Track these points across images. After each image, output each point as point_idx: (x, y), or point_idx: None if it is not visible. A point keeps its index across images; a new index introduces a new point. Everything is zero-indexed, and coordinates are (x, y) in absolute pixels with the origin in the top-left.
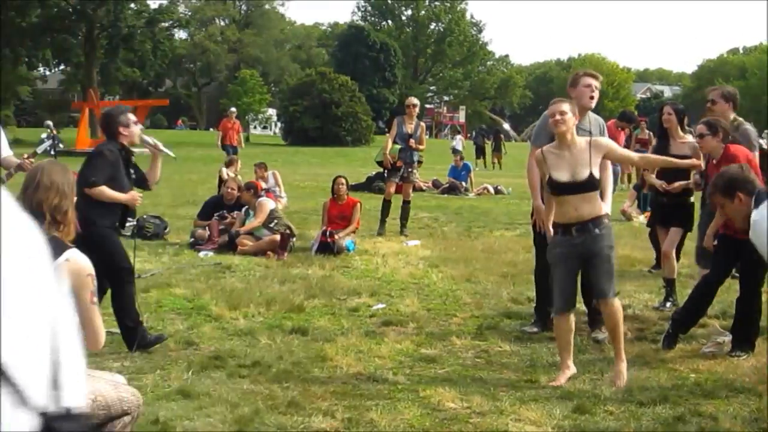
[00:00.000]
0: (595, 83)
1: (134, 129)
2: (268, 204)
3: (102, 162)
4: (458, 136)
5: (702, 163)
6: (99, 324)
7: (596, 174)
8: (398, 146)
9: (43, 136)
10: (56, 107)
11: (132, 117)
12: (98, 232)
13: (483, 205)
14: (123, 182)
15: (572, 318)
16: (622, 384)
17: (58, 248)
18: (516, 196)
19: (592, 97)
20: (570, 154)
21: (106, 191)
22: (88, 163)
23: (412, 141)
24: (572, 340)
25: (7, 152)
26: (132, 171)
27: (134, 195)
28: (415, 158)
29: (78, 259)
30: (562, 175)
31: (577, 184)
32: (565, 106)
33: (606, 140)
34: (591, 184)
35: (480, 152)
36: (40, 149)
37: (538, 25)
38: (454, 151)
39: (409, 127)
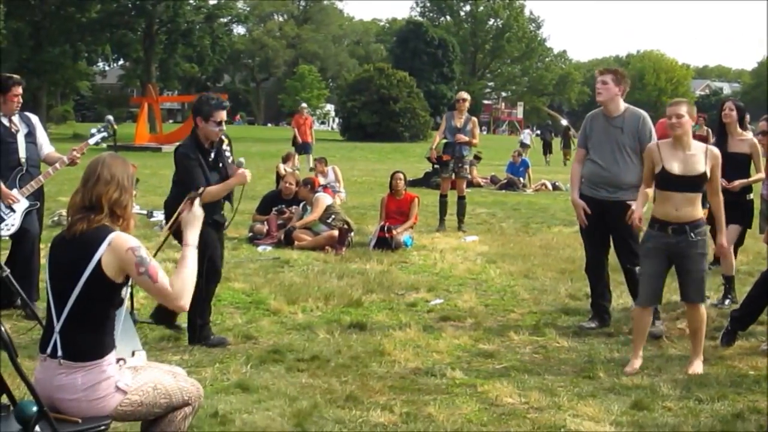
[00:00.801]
0: (600, 77)
1: (209, 128)
2: (324, 199)
3: (191, 166)
4: (526, 131)
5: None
6: (166, 287)
7: (708, 174)
8: (446, 141)
9: (93, 131)
10: (115, 102)
11: (217, 115)
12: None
13: (541, 201)
14: (209, 181)
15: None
16: (694, 370)
17: (103, 233)
18: None
19: (599, 93)
20: (684, 154)
21: (212, 190)
22: (182, 172)
23: (459, 135)
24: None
25: (50, 148)
26: (221, 162)
27: (242, 174)
28: (465, 152)
29: (119, 238)
30: (674, 167)
31: (688, 178)
32: (683, 109)
33: (718, 156)
34: (701, 182)
35: (547, 148)
36: (92, 141)
37: (596, 21)
38: (522, 145)
39: (458, 122)
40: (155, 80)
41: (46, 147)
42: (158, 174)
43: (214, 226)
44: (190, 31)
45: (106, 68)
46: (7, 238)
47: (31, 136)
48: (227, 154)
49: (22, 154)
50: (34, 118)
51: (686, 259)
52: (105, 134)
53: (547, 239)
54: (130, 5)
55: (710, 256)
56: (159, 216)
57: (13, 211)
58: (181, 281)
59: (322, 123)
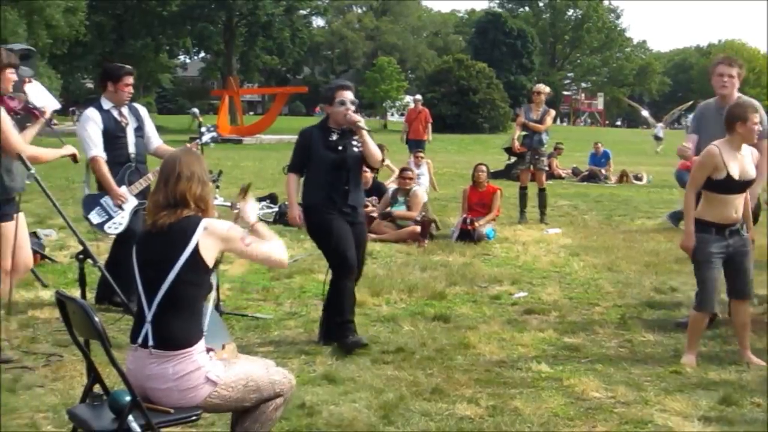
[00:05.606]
0: (727, 70)
1: (335, 109)
2: (422, 196)
3: (296, 145)
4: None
5: None
6: (266, 250)
7: None
8: (524, 133)
9: (203, 129)
10: (196, 95)
11: (338, 95)
12: (309, 217)
13: (623, 193)
14: (322, 159)
15: None
16: (757, 362)
17: (194, 223)
18: (656, 184)
19: (724, 86)
20: (740, 155)
21: (288, 177)
22: None
23: (530, 123)
24: None
25: (158, 141)
26: (342, 146)
27: None
28: (542, 145)
29: (213, 223)
30: (735, 172)
31: (747, 183)
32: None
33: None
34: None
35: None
36: (204, 139)
37: (676, 10)
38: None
39: (536, 114)
40: (236, 72)
41: (155, 140)
42: (240, 166)
43: (342, 216)
44: (269, 24)
45: (187, 61)
46: (113, 235)
47: (140, 130)
48: (354, 147)
49: (132, 149)
50: (143, 111)
51: (743, 256)
52: (215, 134)
53: (630, 232)
54: None
55: None
56: None
57: (122, 209)
58: (269, 244)
59: (402, 114)
